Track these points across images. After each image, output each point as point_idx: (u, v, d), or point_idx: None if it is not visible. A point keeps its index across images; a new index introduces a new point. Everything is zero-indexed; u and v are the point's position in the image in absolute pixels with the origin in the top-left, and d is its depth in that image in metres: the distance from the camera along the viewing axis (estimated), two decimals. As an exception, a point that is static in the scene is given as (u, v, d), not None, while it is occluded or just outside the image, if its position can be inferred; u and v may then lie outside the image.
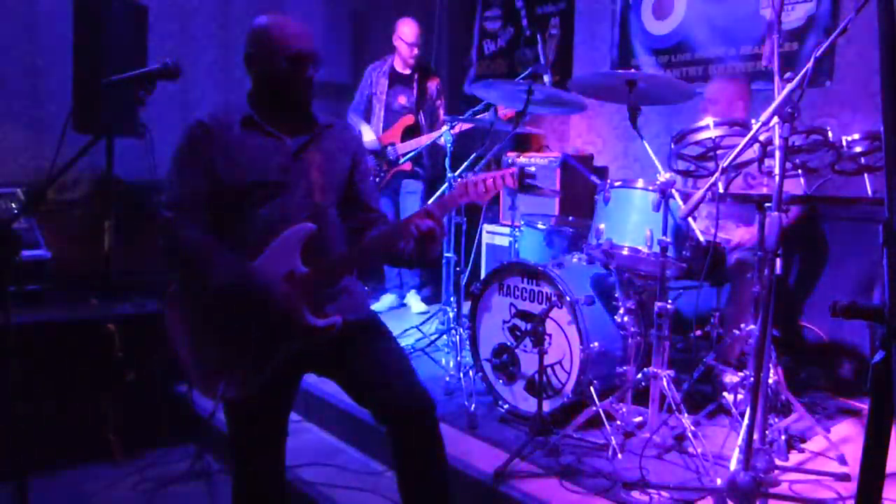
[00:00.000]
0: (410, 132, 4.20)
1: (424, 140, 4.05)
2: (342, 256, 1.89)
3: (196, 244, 1.80)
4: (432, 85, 4.30)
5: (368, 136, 4.20)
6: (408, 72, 4.27)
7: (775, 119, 1.85)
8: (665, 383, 2.41)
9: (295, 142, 1.87)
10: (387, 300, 4.47)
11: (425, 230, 1.74)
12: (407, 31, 4.19)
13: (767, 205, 1.93)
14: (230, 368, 1.79)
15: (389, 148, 4.20)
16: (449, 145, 3.43)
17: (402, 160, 4.13)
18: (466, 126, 3.73)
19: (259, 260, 1.77)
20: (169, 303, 1.88)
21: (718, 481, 2.11)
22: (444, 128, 3.53)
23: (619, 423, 2.51)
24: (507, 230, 3.58)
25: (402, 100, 4.26)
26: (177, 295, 1.88)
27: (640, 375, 2.50)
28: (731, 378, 2.60)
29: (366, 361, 1.88)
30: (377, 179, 4.25)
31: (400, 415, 1.83)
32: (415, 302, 4.42)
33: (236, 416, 1.91)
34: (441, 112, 4.29)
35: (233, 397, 1.81)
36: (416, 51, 4.21)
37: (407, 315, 4.28)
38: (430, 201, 2.04)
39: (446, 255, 3.51)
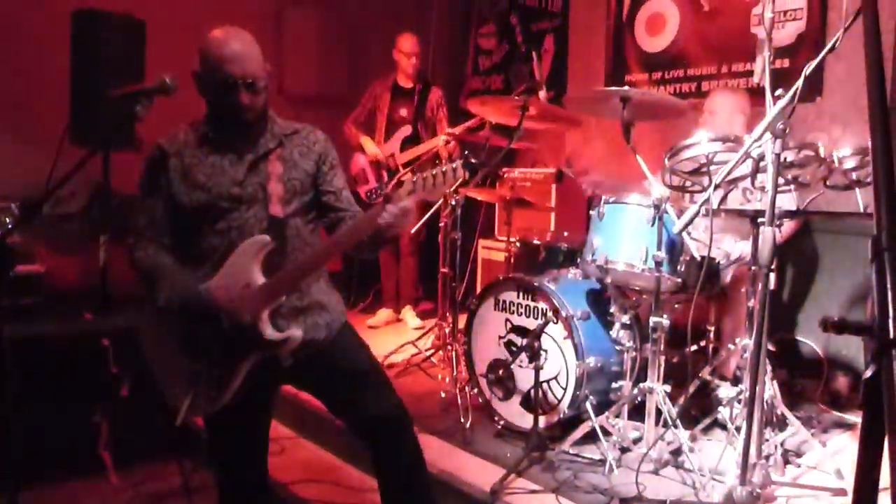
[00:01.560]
0: (409, 143, 4.25)
1: (422, 149, 4.12)
2: (298, 262, 1.84)
3: (148, 265, 1.82)
4: (433, 97, 4.36)
5: (370, 147, 4.26)
6: (410, 85, 4.34)
7: (767, 135, 1.87)
8: (661, 398, 2.42)
9: (251, 155, 1.85)
10: (383, 315, 4.47)
11: (399, 212, 1.67)
12: (405, 43, 4.28)
13: (761, 220, 1.94)
14: (196, 382, 1.79)
15: (389, 158, 4.24)
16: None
17: (402, 170, 4.18)
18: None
19: (217, 275, 1.77)
20: (142, 318, 1.90)
21: (715, 496, 2.11)
22: (441, 138, 3.56)
23: (615, 438, 2.50)
24: (502, 245, 3.59)
25: (403, 112, 4.32)
26: (146, 311, 1.89)
27: (635, 390, 2.50)
28: (726, 392, 2.61)
29: (339, 375, 1.89)
30: (378, 189, 4.28)
31: (375, 427, 1.84)
32: (411, 317, 4.42)
33: (213, 428, 1.92)
34: (443, 123, 4.34)
35: (201, 411, 1.81)
36: (414, 60, 4.28)
37: (403, 330, 4.28)
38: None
39: (442, 270, 3.51)
